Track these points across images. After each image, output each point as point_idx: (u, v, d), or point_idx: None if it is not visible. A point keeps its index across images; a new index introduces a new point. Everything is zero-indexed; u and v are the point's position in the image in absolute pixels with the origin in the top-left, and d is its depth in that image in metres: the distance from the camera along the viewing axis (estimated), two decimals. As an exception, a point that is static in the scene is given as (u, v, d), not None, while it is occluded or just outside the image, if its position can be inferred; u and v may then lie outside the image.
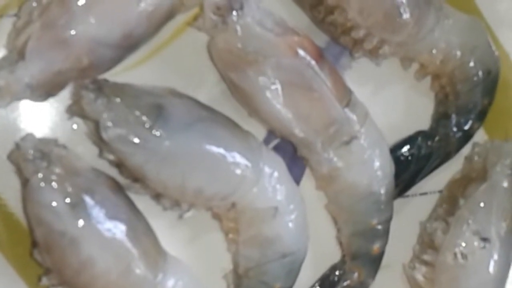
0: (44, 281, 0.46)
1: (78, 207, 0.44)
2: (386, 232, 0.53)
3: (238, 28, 0.47)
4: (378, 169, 0.52)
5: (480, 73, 0.54)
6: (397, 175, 0.53)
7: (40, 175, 0.44)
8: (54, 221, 0.44)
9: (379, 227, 0.53)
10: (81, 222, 0.44)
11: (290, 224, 0.50)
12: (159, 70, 0.50)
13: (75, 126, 0.48)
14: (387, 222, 0.53)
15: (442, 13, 0.53)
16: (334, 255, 0.54)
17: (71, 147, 0.47)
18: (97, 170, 0.46)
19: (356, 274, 0.54)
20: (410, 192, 0.56)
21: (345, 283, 0.54)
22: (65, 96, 0.47)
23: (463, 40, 0.54)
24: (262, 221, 0.49)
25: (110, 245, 0.45)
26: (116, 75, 0.48)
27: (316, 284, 0.54)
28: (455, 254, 0.53)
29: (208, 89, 0.50)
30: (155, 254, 0.47)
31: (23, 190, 0.46)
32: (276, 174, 0.49)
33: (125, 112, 0.45)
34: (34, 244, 0.46)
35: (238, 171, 0.48)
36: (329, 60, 0.51)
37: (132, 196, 0.47)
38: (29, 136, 0.46)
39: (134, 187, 0.47)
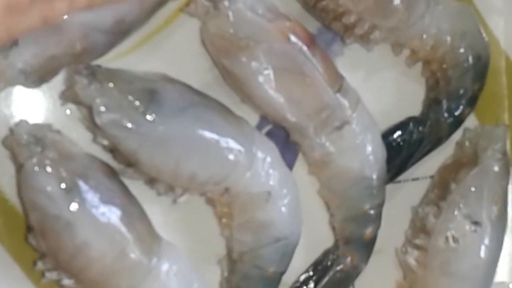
0: (39, 265, 0.46)
1: (72, 192, 0.45)
2: (378, 217, 0.54)
3: (230, 13, 0.47)
4: (370, 154, 0.52)
5: (470, 58, 0.55)
6: (389, 161, 0.54)
7: (34, 159, 0.44)
8: (49, 206, 0.44)
9: (372, 212, 0.53)
10: (75, 207, 0.45)
11: (283, 209, 0.50)
12: (151, 56, 0.50)
13: (68, 112, 0.48)
14: (379, 207, 0.53)
15: (432, -1, 0.53)
16: (327, 240, 0.55)
17: (65, 133, 0.47)
18: (91, 155, 0.47)
19: (349, 259, 0.54)
20: (401, 177, 0.56)
21: (338, 268, 0.54)
22: (58, 81, 0.48)
23: (453, 26, 0.54)
24: (255, 206, 0.49)
25: (105, 230, 0.45)
26: (108, 61, 0.48)
27: (309, 269, 0.54)
28: (446, 238, 0.53)
29: (201, 75, 0.51)
30: (149, 239, 0.47)
31: (17, 175, 0.46)
32: (269, 159, 0.50)
33: (118, 97, 0.45)
34: (29, 229, 0.46)
35: (231, 156, 0.48)
36: (320, 45, 0.51)
37: (126, 181, 0.48)
38: (23, 121, 0.46)
39: (128, 172, 0.48)
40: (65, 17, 0.44)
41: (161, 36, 0.50)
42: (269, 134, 0.52)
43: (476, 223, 0.53)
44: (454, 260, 0.53)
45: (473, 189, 0.54)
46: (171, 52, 0.50)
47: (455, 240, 0.53)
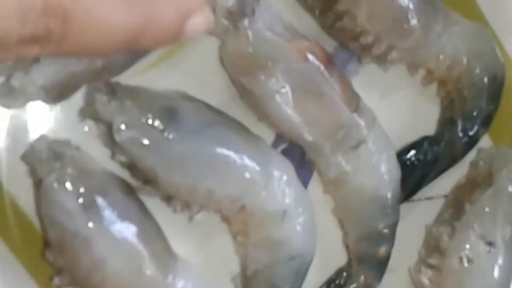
0: (56, 281, 0.47)
1: (90, 208, 0.45)
2: (392, 236, 0.54)
3: (249, 33, 0.48)
4: (385, 173, 0.52)
5: (485, 79, 0.55)
6: (403, 180, 0.54)
7: (53, 175, 0.45)
8: (67, 222, 0.45)
9: (386, 231, 0.53)
10: (93, 223, 0.45)
11: (298, 227, 0.50)
12: (170, 74, 0.50)
13: (86, 128, 0.48)
14: (394, 226, 0.53)
15: (449, 19, 0.53)
16: (340, 258, 0.55)
17: (84, 149, 0.47)
18: (109, 172, 0.47)
19: (362, 278, 0.54)
20: (416, 196, 0.56)
21: (351, 286, 0.54)
22: (77, 98, 0.48)
23: (469, 46, 0.54)
24: (271, 224, 0.49)
25: (122, 246, 0.46)
26: (128, 78, 0.48)
27: (323, 287, 0.54)
28: (460, 258, 0.53)
29: (219, 93, 0.51)
30: (165, 256, 0.47)
31: (36, 191, 0.46)
32: (285, 177, 0.50)
33: (138, 114, 0.46)
34: (46, 244, 0.46)
35: (247, 175, 0.48)
36: (337, 65, 0.51)
37: (143, 198, 0.48)
38: (43, 137, 0.46)
39: (145, 189, 0.48)
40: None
41: (180, 53, 0.50)
42: (284, 152, 0.53)
43: (490, 243, 0.53)
44: (468, 281, 0.53)
45: (487, 209, 0.54)
46: (189, 69, 0.50)
47: (469, 260, 0.53)
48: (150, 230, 0.47)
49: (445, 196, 0.57)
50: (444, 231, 0.54)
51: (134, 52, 0.47)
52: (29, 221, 0.48)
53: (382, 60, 0.53)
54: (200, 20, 0.37)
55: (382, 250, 0.54)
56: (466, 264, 0.53)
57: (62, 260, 0.46)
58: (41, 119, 0.48)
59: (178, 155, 0.46)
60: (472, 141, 0.56)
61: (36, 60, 0.45)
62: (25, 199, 0.48)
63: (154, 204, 0.48)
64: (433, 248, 0.55)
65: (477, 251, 0.53)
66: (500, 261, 0.53)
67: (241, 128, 0.49)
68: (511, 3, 0.57)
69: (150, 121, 0.46)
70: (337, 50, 0.54)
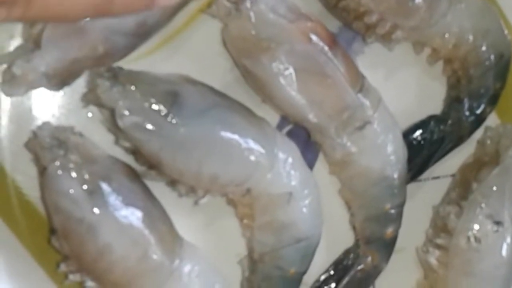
0: (62, 267, 0.47)
1: (95, 194, 0.45)
2: (399, 216, 0.53)
3: (252, 14, 0.47)
4: (391, 153, 0.52)
5: (492, 57, 0.54)
6: (410, 160, 0.53)
7: (57, 163, 0.45)
8: (72, 208, 0.45)
9: (392, 211, 0.53)
10: (98, 209, 0.45)
11: (304, 209, 0.50)
12: (172, 57, 0.50)
13: (90, 114, 0.48)
14: (400, 206, 0.53)
15: (454, -3, 0.53)
16: (347, 239, 0.54)
17: (87, 135, 0.47)
18: (113, 158, 0.47)
19: (369, 258, 0.54)
20: (422, 176, 0.56)
21: (358, 267, 0.54)
22: (80, 84, 0.48)
23: (475, 24, 0.54)
24: (276, 207, 0.49)
25: (127, 232, 0.46)
26: (130, 62, 0.48)
27: (330, 268, 0.54)
28: (468, 238, 0.53)
29: (222, 75, 0.51)
30: (171, 240, 0.47)
31: (40, 178, 0.46)
32: (290, 159, 0.50)
33: (141, 99, 0.45)
34: (52, 231, 0.46)
35: (252, 157, 0.48)
36: (342, 45, 0.51)
37: (148, 183, 0.48)
38: (46, 124, 0.46)
39: (150, 174, 0.48)
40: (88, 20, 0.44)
41: (182, 37, 0.50)
42: (289, 134, 0.52)
43: (498, 222, 0.53)
44: (475, 260, 0.53)
45: (494, 188, 0.53)
46: (192, 52, 0.50)
47: (477, 240, 0.53)
48: (156, 215, 0.47)
49: (452, 176, 0.57)
50: (452, 211, 0.54)
51: (136, 35, 0.47)
52: (34, 208, 0.48)
53: (387, 39, 0.52)
54: None
55: (389, 230, 0.53)
56: (474, 244, 0.53)
57: (68, 247, 0.46)
58: (44, 105, 0.48)
59: (182, 139, 0.46)
60: (479, 120, 0.56)
61: (38, 46, 0.45)
62: (30, 187, 0.48)
63: (159, 188, 0.48)
64: (440, 228, 0.55)
65: (485, 230, 0.53)
66: (508, 240, 0.53)
67: (245, 111, 0.49)
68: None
69: (153, 106, 0.46)
70: (341, 29, 0.53)
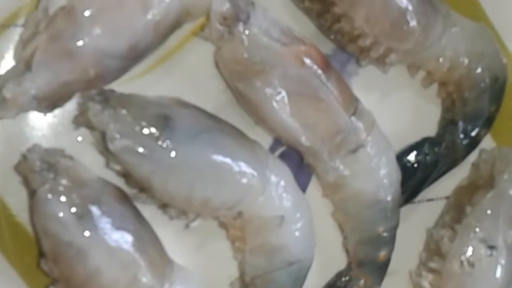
0: (51, 291, 0.47)
1: (84, 218, 0.44)
2: (392, 240, 0.53)
3: (245, 38, 0.47)
4: (385, 177, 0.52)
5: (487, 80, 0.54)
6: (404, 182, 0.53)
7: (47, 186, 0.44)
8: (61, 232, 0.44)
9: (385, 234, 0.53)
10: (88, 233, 0.44)
11: (297, 233, 0.50)
12: (165, 79, 0.50)
13: (80, 139, 0.48)
14: (394, 229, 0.53)
15: (449, 20, 0.52)
16: (340, 262, 0.54)
17: (78, 158, 0.47)
18: (103, 180, 0.47)
19: (362, 281, 0.54)
20: (416, 198, 0.55)
21: (351, 290, 0.54)
22: (71, 107, 0.47)
23: (470, 47, 0.53)
24: (268, 230, 0.49)
25: (117, 255, 0.45)
26: (122, 84, 0.48)
27: (323, 291, 0.54)
28: (461, 262, 0.52)
29: (214, 98, 0.50)
30: (161, 264, 0.47)
31: (30, 201, 0.46)
32: (282, 182, 0.49)
33: (132, 123, 0.45)
34: (41, 254, 0.46)
35: (244, 181, 0.48)
36: (335, 68, 0.51)
37: (139, 205, 0.47)
38: (36, 147, 0.46)
39: (140, 197, 0.47)
40: (79, 43, 0.44)
41: (175, 59, 0.50)
42: (282, 156, 0.52)
43: (492, 247, 0.52)
44: (469, 285, 0.53)
45: (489, 212, 0.53)
46: (184, 75, 0.50)
47: (471, 264, 0.52)
48: (146, 238, 0.47)
49: (446, 198, 0.56)
50: (445, 234, 0.54)
51: (128, 59, 0.46)
52: (24, 229, 0.48)
53: (381, 62, 0.52)
54: None
55: (382, 253, 0.53)
56: (467, 268, 0.52)
57: (57, 270, 0.45)
58: (34, 127, 0.48)
59: (173, 163, 0.46)
60: (474, 143, 0.55)
61: (29, 68, 0.44)
62: (20, 208, 0.47)
63: (150, 211, 0.48)
64: (434, 251, 0.54)
65: (479, 254, 0.52)
66: (502, 264, 0.53)
67: (237, 134, 0.49)
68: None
69: (144, 129, 0.45)
70: (335, 51, 0.53)
